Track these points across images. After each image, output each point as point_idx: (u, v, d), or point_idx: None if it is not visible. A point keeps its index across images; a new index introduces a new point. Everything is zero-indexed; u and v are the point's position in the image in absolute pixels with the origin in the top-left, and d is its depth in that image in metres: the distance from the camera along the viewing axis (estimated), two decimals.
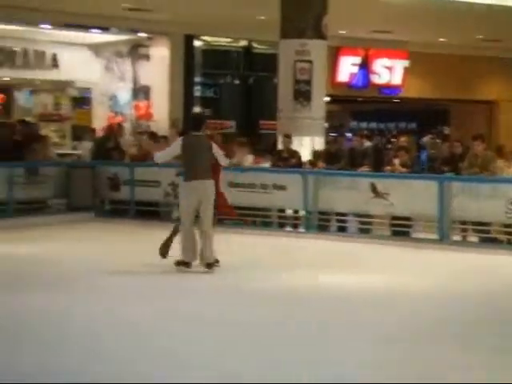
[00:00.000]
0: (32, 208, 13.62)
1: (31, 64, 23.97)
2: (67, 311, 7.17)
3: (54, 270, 9.21)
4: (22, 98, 27.83)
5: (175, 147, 9.39)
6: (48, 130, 21.28)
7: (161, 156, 9.67)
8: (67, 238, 11.86)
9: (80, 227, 12.87)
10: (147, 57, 23.08)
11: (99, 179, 13.92)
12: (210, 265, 9.15)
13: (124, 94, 24.06)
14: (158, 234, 12.26)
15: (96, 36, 23.43)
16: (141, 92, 23.63)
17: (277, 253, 10.85)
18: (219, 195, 9.55)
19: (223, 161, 9.49)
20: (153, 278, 8.95)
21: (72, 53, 24.07)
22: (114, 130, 16.08)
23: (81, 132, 23.85)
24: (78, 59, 23.99)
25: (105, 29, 21.62)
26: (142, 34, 22.34)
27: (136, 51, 23.59)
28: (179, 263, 9.25)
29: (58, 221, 13.16)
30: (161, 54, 22.49)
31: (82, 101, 26.41)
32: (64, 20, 20.32)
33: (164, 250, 9.60)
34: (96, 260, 9.87)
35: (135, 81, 23.79)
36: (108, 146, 14.85)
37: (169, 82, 22.16)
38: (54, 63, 24.17)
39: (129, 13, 18.94)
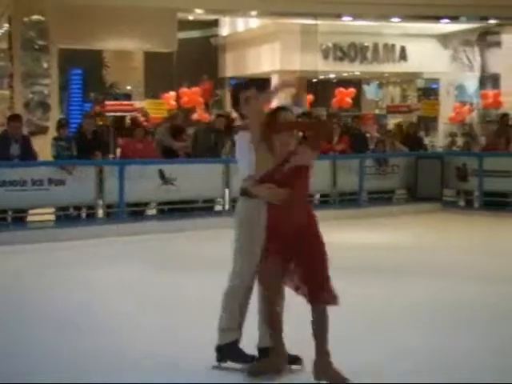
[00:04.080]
0: (380, 198, 14.00)
1: (380, 58, 24.67)
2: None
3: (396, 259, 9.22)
4: (370, 91, 28.79)
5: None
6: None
7: None
8: (412, 227, 11.98)
9: (425, 217, 12.93)
10: (497, 44, 22.46)
11: (447, 170, 13.86)
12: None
13: (471, 83, 23.69)
14: (507, 224, 12.04)
15: (444, 26, 23.37)
16: (489, 80, 23.07)
17: None
18: None
19: None
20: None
21: (420, 44, 24.28)
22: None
23: (427, 123, 24.06)
24: (426, 50, 24.13)
25: (454, 18, 21.43)
26: (492, 21, 21.76)
27: (484, 39, 23.07)
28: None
29: (402, 211, 13.35)
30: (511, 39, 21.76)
31: (429, 92, 26.54)
32: (413, 12, 20.49)
33: None
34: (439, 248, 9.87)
35: (483, 69, 23.30)
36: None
37: None
38: (403, 55, 24.59)
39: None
